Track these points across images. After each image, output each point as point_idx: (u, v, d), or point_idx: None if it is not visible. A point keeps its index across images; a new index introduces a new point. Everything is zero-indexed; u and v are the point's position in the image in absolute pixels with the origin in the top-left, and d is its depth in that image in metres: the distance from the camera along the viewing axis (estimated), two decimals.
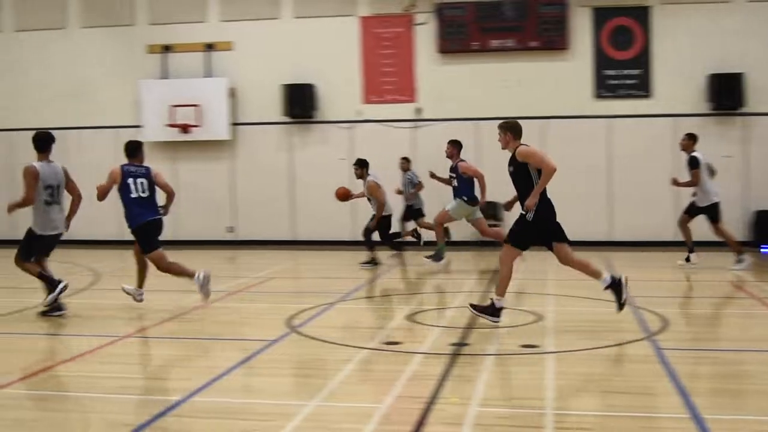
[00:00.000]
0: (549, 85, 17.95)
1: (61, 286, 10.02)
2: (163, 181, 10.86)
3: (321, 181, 18.48)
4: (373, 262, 14.74)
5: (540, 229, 8.86)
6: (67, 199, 10.58)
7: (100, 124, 19.37)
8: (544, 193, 8.79)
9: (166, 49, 19.13)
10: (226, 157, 19.07)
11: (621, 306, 8.92)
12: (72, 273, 14.66)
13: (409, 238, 15.84)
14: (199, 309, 10.53)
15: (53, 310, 10.04)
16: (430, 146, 18.11)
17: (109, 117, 19.36)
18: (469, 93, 18.17)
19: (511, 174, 9.07)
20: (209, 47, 18.99)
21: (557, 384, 6.72)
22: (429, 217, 15.94)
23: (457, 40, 18.11)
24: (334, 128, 18.69)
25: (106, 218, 19.37)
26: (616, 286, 8.89)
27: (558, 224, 8.96)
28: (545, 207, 8.80)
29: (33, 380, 7.09)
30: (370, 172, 14.91)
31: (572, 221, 17.84)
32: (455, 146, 14.38)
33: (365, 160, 15.13)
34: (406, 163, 16.55)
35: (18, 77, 19.95)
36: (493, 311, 8.94)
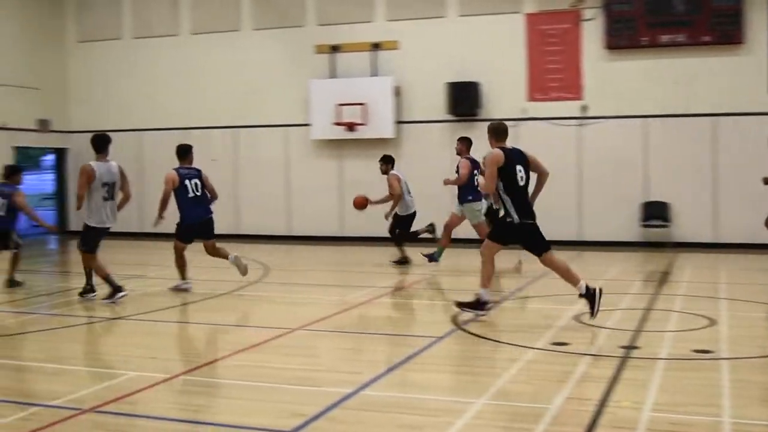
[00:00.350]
0: (721, 81, 17.28)
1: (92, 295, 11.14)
2: (210, 185, 12.05)
3: None
4: (404, 261, 14.91)
5: (527, 231, 9.26)
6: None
7: (271, 122, 20.02)
8: (515, 198, 9.18)
9: (334, 49, 19.55)
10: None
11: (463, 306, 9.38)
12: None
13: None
14: (366, 303, 10.72)
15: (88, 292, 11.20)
16: (597, 144, 17.85)
17: (279, 116, 19.98)
18: (637, 90, 17.73)
19: None
20: (375, 47, 19.29)
21: (733, 391, 6.48)
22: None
23: (625, 35, 17.69)
24: None
25: (272, 214, 20.05)
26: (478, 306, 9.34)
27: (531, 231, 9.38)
28: (518, 210, 9.19)
29: (212, 368, 7.41)
30: (394, 168, 15.06)
31: (746, 222, 17.38)
32: (464, 143, 14.22)
33: (391, 156, 15.35)
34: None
35: (193, 78, 20.84)
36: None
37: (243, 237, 19.80)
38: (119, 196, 11.27)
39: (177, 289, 11.84)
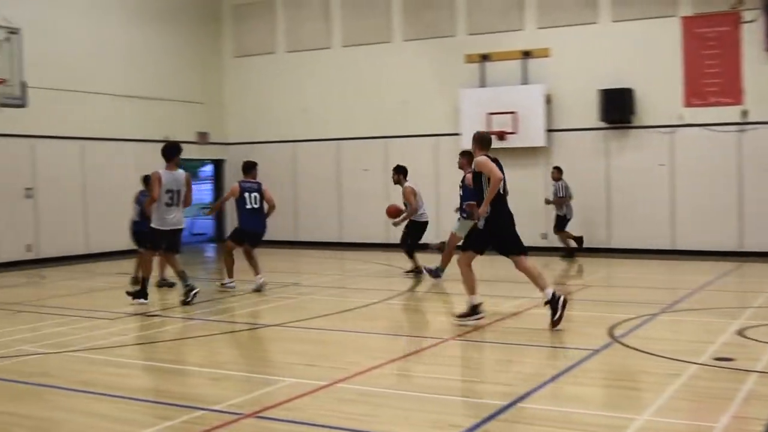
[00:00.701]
0: None
1: (193, 291, 11.74)
2: (269, 196, 13.22)
3: (638, 187, 18.07)
4: (417, 271, 14.67)
5: (492, 237, 9.73)
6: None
7: (421, 132, 20.12)
8: (496, 205, 9.56)
9: (484, 58, 19.49)
10: (542, 164, 19.06)
11: (554, 323, 9.39)
12: (395, 275, 15.34)
13: (573, 244, 17.53)
14: (519, 314, 10.62)
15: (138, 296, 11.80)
16: (758, 151, 17.13)
17: (430, 125, 20.07)
18: None
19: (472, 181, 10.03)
20: (526, 54, 19.12)
21: None
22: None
23: None
24: (652, 133, 18.12)
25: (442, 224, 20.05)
26: (554, 302, 9.41)
27: (512, 236, 9.83)
28: (496, 218, 9.60)
29: (368, 376, 7.47)
30: (408, 178, 14.84)
31: None
32: (465, 157, 13.58)
33: (403, 166, 15.01)
34: (557, 173, 17.64)
35: (344, 90, 21.20)
36: (472, 311, 9.72)
37: (393, 246, 19.96)
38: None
39: (224, 287, 13.05)
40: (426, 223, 14.87)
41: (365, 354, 8.56)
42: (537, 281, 9.70)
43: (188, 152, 21.59)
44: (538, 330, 9.77)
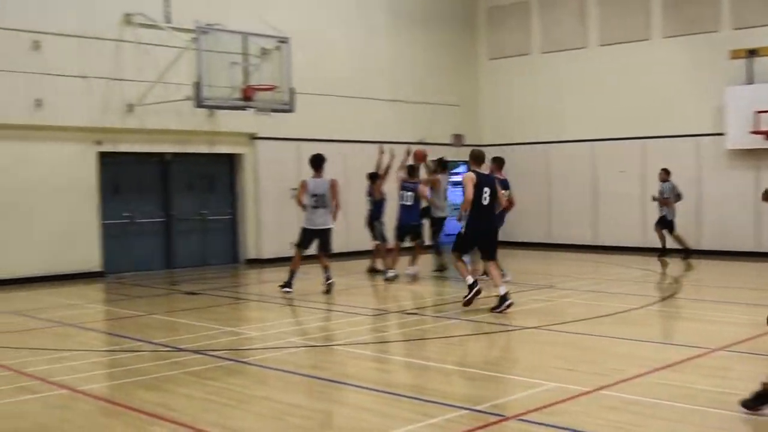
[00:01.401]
0: None
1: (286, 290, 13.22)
2: (424, 194, 15.24)
3: None
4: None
5: (472, 239, 11.44)
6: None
7: (682, 132, 19.37)
8: (474, 213, 11.20)
9: (751, 53, 18.46)
10: None
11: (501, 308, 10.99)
12: (653, 281, 14.89)
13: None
14: None
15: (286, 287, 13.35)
16: None
17: (691, 125, 19.28)
18: None
19: None
20: None
21: None
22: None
23: None
24: None
25: (679, 226, 19.29)
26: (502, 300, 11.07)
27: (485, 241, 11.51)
28: (471, 224, 11.27)
29: (631, 384, 7.27)
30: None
31: None
32: (495, 163, 14.14)
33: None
34: (664, 174, 17.72)
35: (600, 89, 20.79)
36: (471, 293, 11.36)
37: (650, 250, 19.38)
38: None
39: (386, 279, 14.80)
40: (440, 219, 15.98)
41: (627, 361, 8.34)
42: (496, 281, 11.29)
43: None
44: None
